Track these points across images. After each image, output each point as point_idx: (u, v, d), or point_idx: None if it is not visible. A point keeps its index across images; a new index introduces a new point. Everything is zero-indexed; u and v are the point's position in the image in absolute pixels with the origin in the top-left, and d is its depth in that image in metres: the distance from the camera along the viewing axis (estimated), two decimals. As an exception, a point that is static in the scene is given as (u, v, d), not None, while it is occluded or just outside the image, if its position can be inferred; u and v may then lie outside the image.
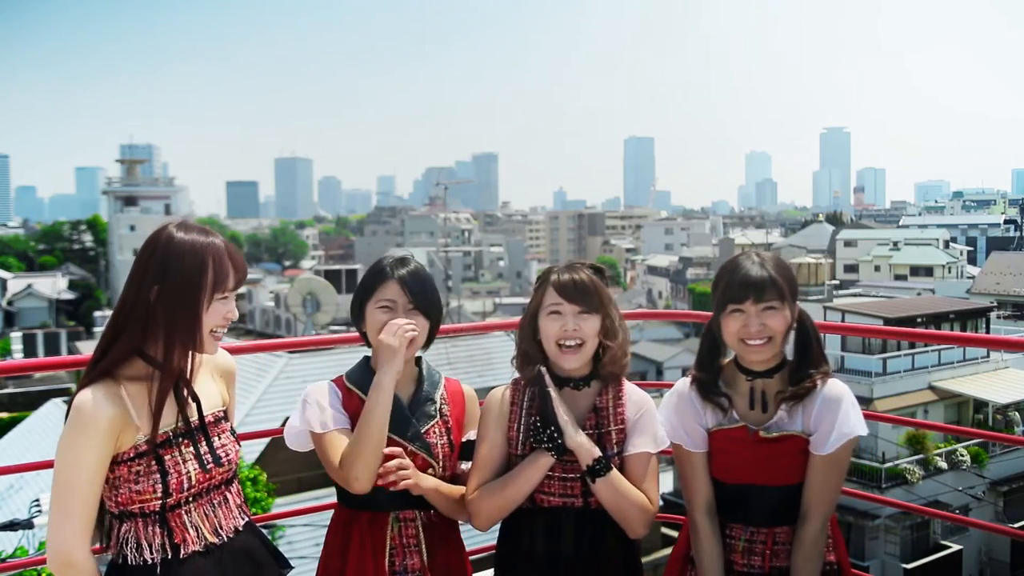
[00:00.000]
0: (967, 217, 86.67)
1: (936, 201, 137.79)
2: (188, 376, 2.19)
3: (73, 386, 26.91)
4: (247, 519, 2.31)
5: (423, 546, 2.45)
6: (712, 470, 2.52)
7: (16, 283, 60.31)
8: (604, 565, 2.43)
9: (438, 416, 2.52)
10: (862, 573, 3.50)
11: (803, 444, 2.41)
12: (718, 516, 2.51)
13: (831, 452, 2.37)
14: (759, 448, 2.43)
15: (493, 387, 2.63)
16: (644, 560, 2.62)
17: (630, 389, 2.54)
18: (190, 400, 2.20)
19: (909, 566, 20.24)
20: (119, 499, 2.09)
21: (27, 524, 8.72)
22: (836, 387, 2.44)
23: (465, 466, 2.57)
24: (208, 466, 2.17)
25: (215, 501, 2.21)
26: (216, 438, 2.23)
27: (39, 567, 6.40)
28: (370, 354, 2.55)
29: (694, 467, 2.53)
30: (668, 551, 2.65)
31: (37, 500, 9.70)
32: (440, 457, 2.48)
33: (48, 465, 3.12)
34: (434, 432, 2.49)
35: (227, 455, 2.24)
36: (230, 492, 2.26)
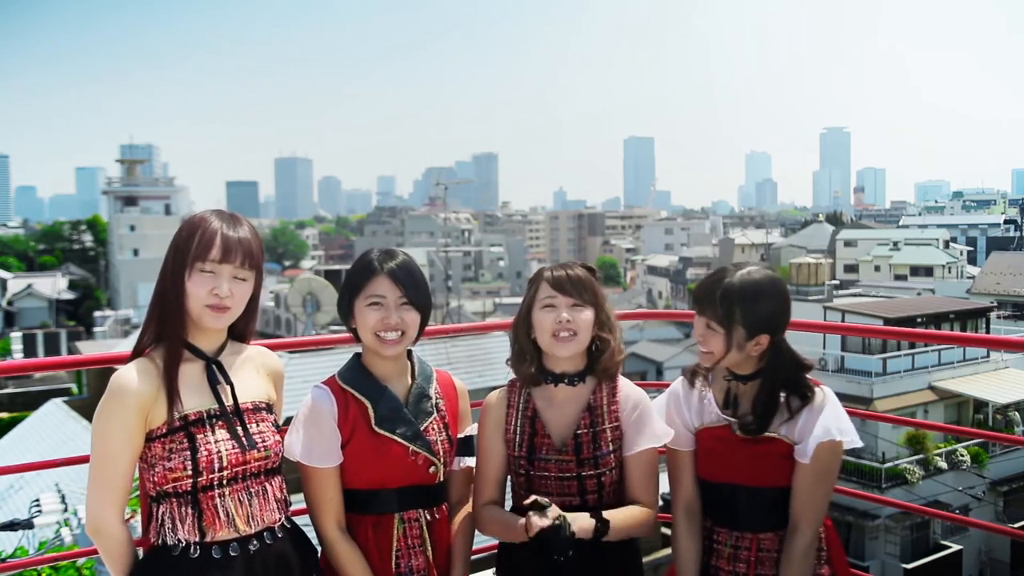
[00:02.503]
0: (967, 217, 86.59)
1: (936, 201, 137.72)
2: (219, 360, 2.25)
3: (73, 386, 26.96)
4: (286, 516, 2.30)
5: (427, 545, 2.44)
6: (699, 470, 2.54)
7: (16, 283, 60.30)
8: (604, 562, 2.45)
9: (435, 412, 2.50)
10: (862, 574, 3.49)
11: (786, 449, 2.41)
12: (706, 519, 2.52)
13: (811, 459, 2.36)
14: (741, 447, 2.44)
15: (493, 387, 2.63)
16: (644, 560, 2.63)
17: (624, 385, 2.55)
18: (224, 384, 2.23)
19: (909, 566, 20.22)
20: (155, 479, 2.14)
21: (27, 524, 8.73)
22: (822, 396, 2.43)
23: (467, 462, 2.57)
24: (244, 447, 2.19)
25: (252, 490, 2.21)
26: (254, 424, 2.25)
27: (39, 567, 6.40)
28: (361, 351, 2.54)
29: (679, 465, 2.56)
30: (668, 551, 2.65)
31: (37, 500, 9.70)
32: (441, 454, 2.47)
33: (47, 465, 3.14)
34: (433, 429, 2.47)
35: (263, 441, 2.24)
36: (271, 484, 2.26)
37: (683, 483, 2.56)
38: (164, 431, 2.14)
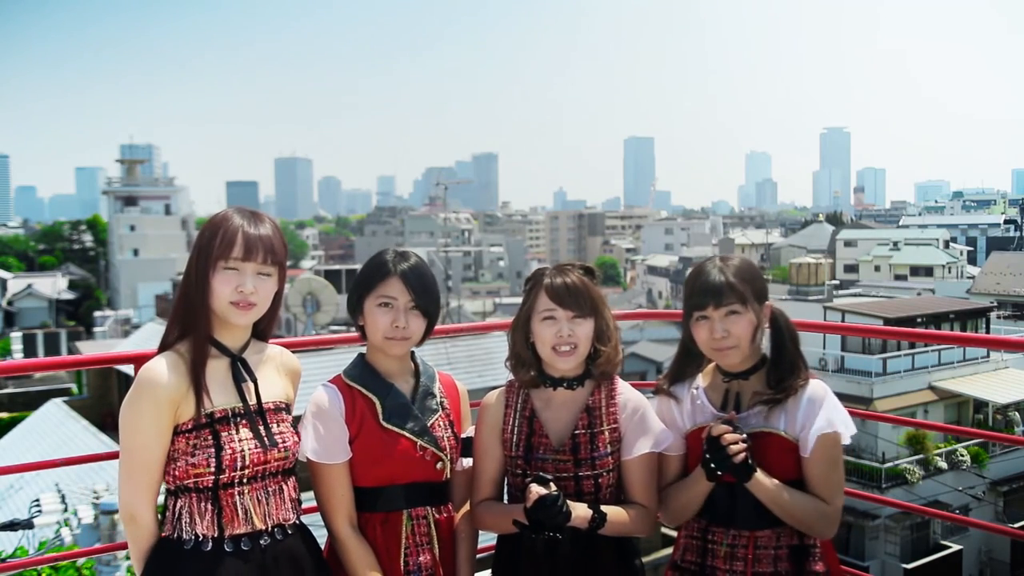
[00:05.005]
0: (967, 217, 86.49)
1: (936, 201, 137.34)
2: (243, 356, 2.28)
3: (73, 386, 26.98)
4: (298, 516, 2.33)
5: (435, 543, 2.46)
6: (692, 470, 2.52)
7: (16, 283, 60.22)
8: (600, 561, 2.45)
9: (440, 409, 2.53)
10: (861, 573, 3.49)
11: (785, 444, 2.41)
12: (701, 519, 2.52)
13: (817, 451, 2.38)
14: None
15: (493, 387, 2.64)
16: (644, 560, 2.62)
17: (623, 388, 2.56)
18: (248, 382, 2.26)
19: (909, 566, 20.22)
20: (176, 472, 2.17)
21: (27, 524, 8.72)
22: (817, 388, 2.44)
23: (466, 462, 2.58)
24: (266, 446, 2.22)
25: (270, 488, 2.24)
26: (275, 425, 2.28)
27: (39, 567, 6.40)
28: (365, 351, 2.55)
29: (666, 468, 2.56)
30: (668, 551, 2.65)
31: (37, 500, 9.71)
32: (447, 450, 2.49)
33: (47, 465, 3.14)
34: (439, 425, 2.50)
35: (284, 441, 2.27)
36: (287, 484, 2.30)
37: (668, 482, 2.57)
38: (190, 427, 2.17)
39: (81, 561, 7.28)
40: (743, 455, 2.30)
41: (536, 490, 2.30)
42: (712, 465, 2.33)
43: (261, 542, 2.19)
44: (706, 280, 2.43)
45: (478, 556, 2.61)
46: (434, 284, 2.51)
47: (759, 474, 2.35)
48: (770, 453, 2.41)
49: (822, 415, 2.39)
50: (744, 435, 2.32)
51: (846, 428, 2.40)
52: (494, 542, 2.61)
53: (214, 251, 2.20)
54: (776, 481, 2.37)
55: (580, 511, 2.34)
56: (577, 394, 2.51)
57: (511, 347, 2.57)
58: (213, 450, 2.15)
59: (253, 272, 2.22)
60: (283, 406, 2.35)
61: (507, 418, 2.55)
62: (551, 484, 2.32)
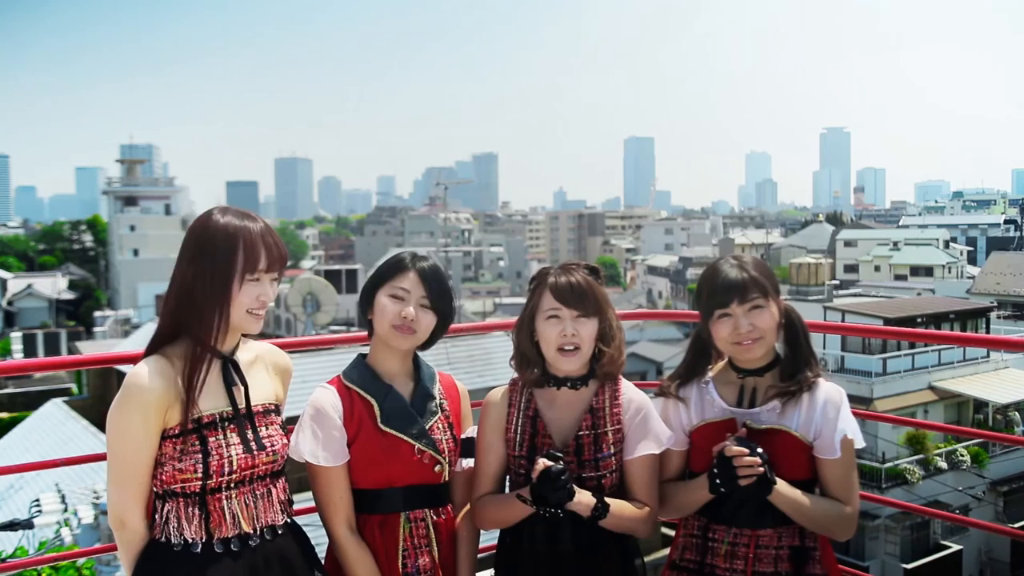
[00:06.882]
0: (967, 217, 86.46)
1: (936, 201, 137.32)
2: (234, 358, 2.25)
3: (73, 386, 26.94)
4: (290, 519, 2.32)
5: (433, 545, 2.45)
6: (696, 465, 2.53)
7: (16, 283, 60.24)
8: (602, 561, 2.45)
9: (439, 411, 2.52)
10: (861, 573, 3.49)
11: (795, 443, 2.42)
12: (701, 517, 2.52)
13: (841, 454, 2.40)
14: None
15: (493, 387, 2.63)
16: (645, 560, 2.62)
17: (627, 388, 2.56)
18: (239, 385, 2.24)
19: (909, 566, 20.21)
20: (163, 477, 2.15)
21: (27, 524, 8.74)
22: (833, 391, 2.45)
23: (466, 463, 2.57)
24: (253, 451, 2.20)
25: (258, 492, 2.23)
26: (264, 428, 2.26)
27: (39, 567, 6.40)
28: (366, 352, 2.55)
29: (667, 464, 2.56)
30: (668, 551, 2.64)
31: (37, 500, 9.73)
32: (446, 453, 2.49)
33: (47, 465, 3.14)
34: (438, 428, 2.49)
35: (272, 445, 2.26)
36: (275, 486, 2.28)
37: (669, 479, 2.57)
38: (177, 432, 2.14)
39: (81, 561, 7.28)
40: (752, 480, 2.29)
41: (543, 462, 2.31)
42: (717, 481, 2.33)
43: (251, 543, 2.19)
44: (727, 278, 2.44)
45: (479, 556, 2.61)
46: (448, 288, 2.51)
47: (779, 486, 2.34)
48: (781, 451, 2.40)
49: (844, 419, 2.41)
50: (760, 451, 2.30)
51: (856, 436, 2.43)
52: (495, 542, 2.60)
53: (238, 264, 2.16)
54: (795, 490, 2.37)
55: (584, 497, 2.35)
56: (581, 394, 2.51)
57: (515, 346, 2.57)
58: (200, 455, 2.13)
59: (269, 280, 2.23)
60: (272, 407, 2.33)
61: (510, 417, 2.54)
62: (560, 461, 2.32)
